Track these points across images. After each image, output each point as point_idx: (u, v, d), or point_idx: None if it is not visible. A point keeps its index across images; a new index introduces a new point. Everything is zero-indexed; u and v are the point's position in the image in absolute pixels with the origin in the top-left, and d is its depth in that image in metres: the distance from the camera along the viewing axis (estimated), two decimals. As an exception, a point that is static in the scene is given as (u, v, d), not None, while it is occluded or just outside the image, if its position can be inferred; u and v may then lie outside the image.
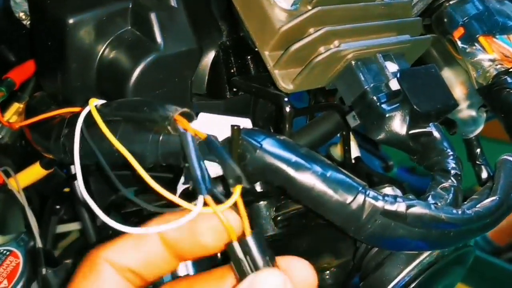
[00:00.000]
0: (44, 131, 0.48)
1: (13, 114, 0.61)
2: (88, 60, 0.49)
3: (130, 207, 0.67)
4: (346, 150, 0.62)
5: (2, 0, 0.62)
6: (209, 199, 0.34)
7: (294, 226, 0.57)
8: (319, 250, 0.62)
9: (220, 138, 0.42)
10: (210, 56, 0.60)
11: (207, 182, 0.35)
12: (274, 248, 0.62)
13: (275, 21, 0.46)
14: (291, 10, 0.47)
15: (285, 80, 0.47)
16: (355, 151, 0.70)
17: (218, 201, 0.34)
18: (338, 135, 0.66)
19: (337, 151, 0.70)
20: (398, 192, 0.56)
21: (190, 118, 0.41)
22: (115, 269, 0.33)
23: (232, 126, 0.41)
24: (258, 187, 0.59)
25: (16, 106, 0.61)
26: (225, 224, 0.33)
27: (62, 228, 0.75)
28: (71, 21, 0.47)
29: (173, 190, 0.45)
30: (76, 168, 0.40)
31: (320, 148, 0.67)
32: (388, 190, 0.56)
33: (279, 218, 0.58)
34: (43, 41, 0.50)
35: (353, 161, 0.69)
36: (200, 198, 0.33)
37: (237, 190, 0.34)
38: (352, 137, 0.70)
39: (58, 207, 0.68)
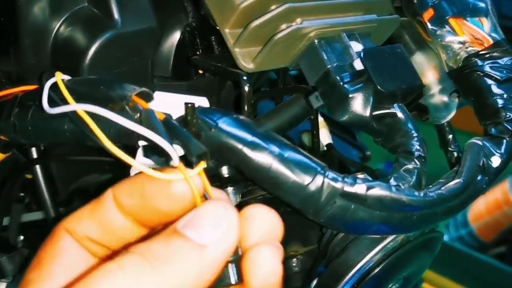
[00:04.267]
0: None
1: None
2: (42, 37, 0.47)
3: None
4: (315, 134, 0.60)
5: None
6: (181, 164, 0.32)
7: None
8: (286, 238, 0.60)
9: (175, 115, 0.41)
10: (175, 37, 0.58)
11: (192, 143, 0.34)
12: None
13: (235, -3, 0.45)
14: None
15: (246, 59, 0.45)
16: (326, 138, 0.68)
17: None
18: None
19: (307, 137, 0.69)
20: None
21: (148, 98, 0.40)
22: (74, 239, 0.32)
23: (186, 104, 0.39)
24: (225, 172, 0.57)
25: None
26: (194, 190, 0.31)
27: (29, 217, 0.73)
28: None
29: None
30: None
31: (290, 134, 0.65)
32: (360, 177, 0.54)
33: (246, 203, 0.56)
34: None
35: (324, 148, 0.68)
36: (175, 157, 0.32)
37: (202, 164, 0.33)
38: (324, 123, 0.69)
39: (22, 194, 0.66)
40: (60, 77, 0.41)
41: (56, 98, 0.39)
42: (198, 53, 0.58)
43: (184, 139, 0.35)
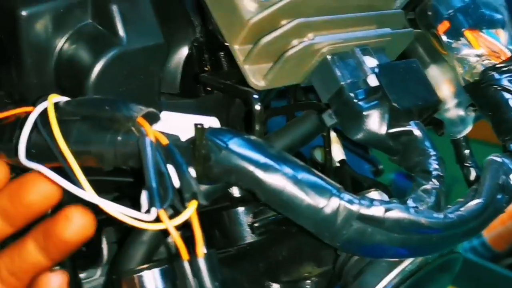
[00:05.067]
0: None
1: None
2: (45, 55, 0.46)
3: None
4: (327, 151, 0.58)
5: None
6: (162, 213, 0.31)
7: (273, 233, 0.54)
8: (300, 259, 0.59)
9: (184, 136, 0.39)
10: (182, 52, 0.57)
11: (169, 191, 0.32)
12: (252, 257, 0.59)
13: (244, 12, 0.43)
14: (262, 1, 0.44)
15: (256, 76, 0.44)
16: (339, 154, 0.66)
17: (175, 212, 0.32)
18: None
19: (319, 153, 0.67)
20: (385, 197, 0.53)
21: (155, 119, 0.38)
22: None
23: (196, 125, 0.37)
24: (236, 192, 0.56)
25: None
26: (177, 240, 0.30)
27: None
28: (24, 13, 0.43)
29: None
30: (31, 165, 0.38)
31: (301, 150, 0.64)
32: (374, 194, 0.52)
33: (257, 224, 0.54)
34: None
35: (337, 164, 0.66)
36: (153, 211, 0.31)
37: (191, 206, 0.31)
38: (337, 139, 0.67)
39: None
40: (52, 101, 0.40)
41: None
42: (206, 69, 0.57)
43: (180, 173, 0.34)
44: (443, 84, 0.60)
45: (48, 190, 0.38)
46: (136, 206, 0.36)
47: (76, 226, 0.37)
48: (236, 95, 0.48)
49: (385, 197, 0.52)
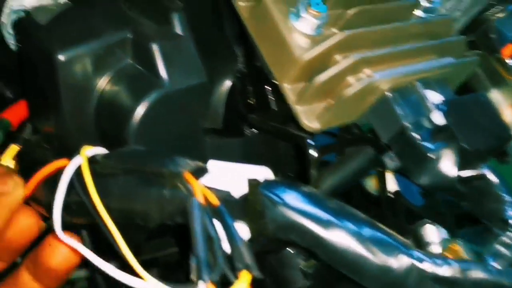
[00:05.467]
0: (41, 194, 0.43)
1: (11, 158, 0.55)
2: (84, 100, 0.43)
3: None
4: (383, 188, 0.54)
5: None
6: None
7: (326, 277, 0.50)
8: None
9: (235, 191, 0.36)
10: (225, 85, 0.53)
11: (219, 260, 0.29)
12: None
13: (296, 48, 0.39)
14: (314, 35, 0.40)
15: (310, 117, 0.40)
16: (393, 185, 0.62)
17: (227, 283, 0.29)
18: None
19: (371, 183, 0.63)
20: (443, 232, 0.48)
21: (202, 172, 0.35)
22: None
23: (249, 180, 0.34)
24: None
25: (15, 149, 0.56)
26: None
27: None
28: (61, 57, 0.41)
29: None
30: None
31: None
32: (431, 229, 0.48)
33: (309, 268, 0.51)
34: (33, 78, 0.44)
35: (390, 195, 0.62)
36: (201, 285, 0.28)
37: (244, 278, 0.28)
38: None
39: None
40: (86, 155, 0.37)
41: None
42: (250, 101, 0.54)
43: (232, 240, 0.31)
44: (506, 109, 0.55)
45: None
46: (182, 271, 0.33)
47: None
48: (289, 140, 0.44)
49: (443, 232, 0.48)
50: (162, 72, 0.43)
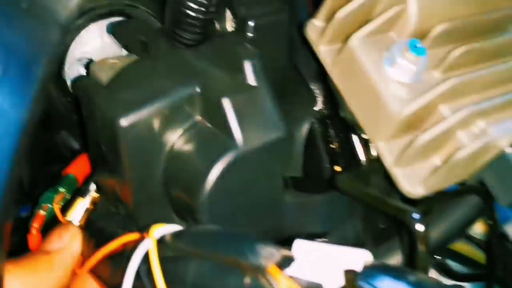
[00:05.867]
0: (105, 268, 0.39)
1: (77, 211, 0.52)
2: (150, 165, 0.39)
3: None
4: (493, 229, 0.47)
5: (55, 78, 0.54)
6: None
7: None
8: None
9: (329, 283, 0.30)
10: (303, 129, 0.48)
11: None
12: None
13: (392, 102, 0.33)
14: (413, 84, 0.34)
15: (412, 182, 0.34)
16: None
17: None
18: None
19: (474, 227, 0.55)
20: None
21: (288, 263, 0.30)
22: None
23: (345, 273, 0.28)
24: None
25: (82, 203, 0.52)
26: None
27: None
28: (123, 123, 0.36)
29: None
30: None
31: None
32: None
33: None
34: (94, 139, 0.40)
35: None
36: None
37: None
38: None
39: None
40: (154, 238, 0.32)
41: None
42: (332, 146, 0.48)
43: None
44: None
45: None
46: None
47: None
48: (386, 211, 0.38)
49: None
50: (235, 130, 0.37)
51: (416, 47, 0.33)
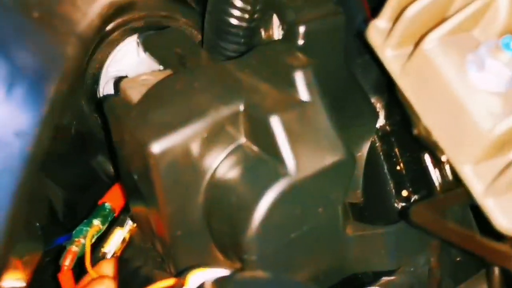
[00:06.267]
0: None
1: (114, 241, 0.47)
2: (188, 198, 0.33)
3: None
4: None
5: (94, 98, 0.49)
6: None
7: None
8: None
9: None
10: (363, 148, 0.42)
11: None
12: None
13: (483, 117, 0.27)
14: (508, 92, 0.27)
15: (508, 214, 0.27)
16: None
17: None
18: None
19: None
20: None
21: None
22: None
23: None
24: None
25: (119, 233, 0.47)
26: None
27: None
28: (156, 149, 0.31)
29: None
30: None
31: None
32: None
33: None
34: (125, 166, 0.35)
35: None
36: None
37: None
38: None
39: None
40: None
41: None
42: (398, 168, 0.41)
43: None
44: None
45: None
46: None
47: None
48: (473, 252, 0.30)
49: None
50: (287, 154, 0.32)
51: (510, 45, 0.27)
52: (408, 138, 0.40)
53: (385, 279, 0.37)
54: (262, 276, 0.28)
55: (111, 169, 0.54)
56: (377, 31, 0.32)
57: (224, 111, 0.33)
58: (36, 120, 0.24)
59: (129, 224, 0.45)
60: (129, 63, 0.48)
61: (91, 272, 0.39)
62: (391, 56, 0.31)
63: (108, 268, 0.39)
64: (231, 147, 0.33)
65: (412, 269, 0.38)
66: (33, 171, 0.24)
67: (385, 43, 0.31)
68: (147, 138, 0.31)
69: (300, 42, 0.37)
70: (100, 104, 0.51)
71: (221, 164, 0.33)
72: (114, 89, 0.49)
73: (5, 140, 0.23)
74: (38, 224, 0.41)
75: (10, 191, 0.23)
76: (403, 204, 0.41)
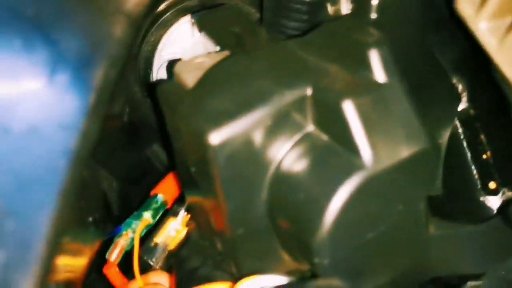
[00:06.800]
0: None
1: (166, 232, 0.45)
2: (250, 193, 0.30)
3: None
4: None
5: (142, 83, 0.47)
6: None
7: None
8: None
9: None
10: (444, 135, 0.37)
11: None
12: None
13: None
14: None
15: None
16: None
17: None
18: None
19: None
20: None
21: None
22: None
23: None
24: None
25: (173, 224, 0.44)
26: None
27: None
28: (215, 139, 0.28)
29: None
30: None
31: None
32: None
33: None
34: (182, 157, 0.32)
35: None
36: None
37: None
38: None
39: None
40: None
41: None
42: (484, 157, 0.37)
43: None
44: None
45: None
46: None
47: None
48: None
49: None
50: (362, 144, 0.28)
51: None
52: (496, 123, 0.36)
53: (471, 283, 0.33)
54: (337, 285, 0.24)
55: (166, 158, 0.52)
56: (468, 0, 0.27)
57: (289, 96, 0.29)
58: (82, 110, 0.21)
59: (183, 215, 0.42)
60: (183, 45, 0.45)
61: (138, 275, 0.37)
62: (486, 29, 0.26)
63: (158, 279, 0.36)
64: (298, 136, 0.30)
65: (502, 273, 0.33)
66: (80, 167, 0.22)
67: (479, 13, 0.26)
68: (205, 128, 0.28)
69: (373, 16, 0.33)
70: (153, 89, 0.48)
71: (287, 156, 0.30)
72: (167, 73, 0.46)
73: (47, 134, 0.20)
74: (92, 218, 0.39)
75: (54, 191, 0.20)
76: (490, 197, 0.36)
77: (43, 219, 0.20)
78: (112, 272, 0.37)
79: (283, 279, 0.26)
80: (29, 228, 0.20)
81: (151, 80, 0.47)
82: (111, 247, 0.39)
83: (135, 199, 0.54)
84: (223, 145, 0.28)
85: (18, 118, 0.20)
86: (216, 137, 0.28)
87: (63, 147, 0.20)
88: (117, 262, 0.38)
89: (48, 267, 0.20)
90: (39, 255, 0.20)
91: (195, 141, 0.29)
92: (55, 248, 0.22)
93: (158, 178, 0.53)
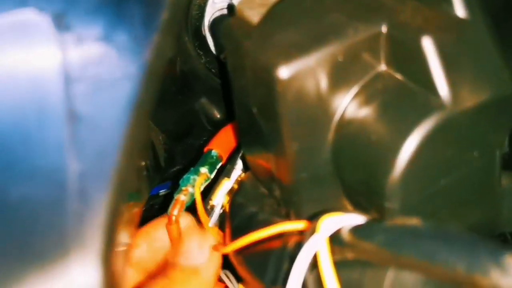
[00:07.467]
0: (256, 257, 0.29)
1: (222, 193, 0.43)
2: (316, 133, 0.28)
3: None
4: None
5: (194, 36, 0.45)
6: None
7: None
8: None
9: None
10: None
11: None
12: None
13: None
14: None
15: None
16: None
17: None
18: None
19: None
20: None
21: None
22: None
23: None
24: None
25: (227, 185, 0.43)
26: None
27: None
28: (283, 73, 0.26)
29: None
30: None
31: None
32: None
33: None
34: (244, 100, 0.31)
35: None
36: None
37: None
38: None
39: None
40: (325, 234, 0.22)
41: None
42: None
43: None
44: None
45: None
46: None
47: None
48: None
49: None
50: (440, 82, 0.26)
51: None
52: None
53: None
54: (417, 225, 0.23)
55: (214, 113, 0.51)
56: None
57: (363, 33, 0.27)
58: (146, 58, 0.20)
59: (237, 174, 0.41)
60: (237, -6, 0.43)
61: (205, 220, 0.36)
62: None
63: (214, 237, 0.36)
64: (369, 76, 0.28)
65: None
66: (154, 79, 0.20)
67: None
68: (274, 61, 0.26)
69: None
70: (205, 42, 0.47)
71: (357, 96, 0.28)
72: (217, 26, 0.45)
73: (112, 80, 0.19)
74: (144, 163, 0.38)
75: (129, 104, 0.19)
76: None
77: (118, 130, 0.19)
78: (174, 227, 0.37)
79: (362, 219, 0.24)
80: (104, 138, 0.19)
81: (203, 31, 0.46)
82: (172, 203, 0.38)
83: (178, 157, 0.53)
84: (292, 79, 0.27)
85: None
86: (285, 71, 0.26)
87: (128, 96, 0.19)
88: (179, 217, 0.37)
89: (124, 177, 0.19)
90: (116, 164, 0.19)
91: (262, 77, 0.28)
92: (130, 161, 0.21)
93: (201, 135, 0.52)
